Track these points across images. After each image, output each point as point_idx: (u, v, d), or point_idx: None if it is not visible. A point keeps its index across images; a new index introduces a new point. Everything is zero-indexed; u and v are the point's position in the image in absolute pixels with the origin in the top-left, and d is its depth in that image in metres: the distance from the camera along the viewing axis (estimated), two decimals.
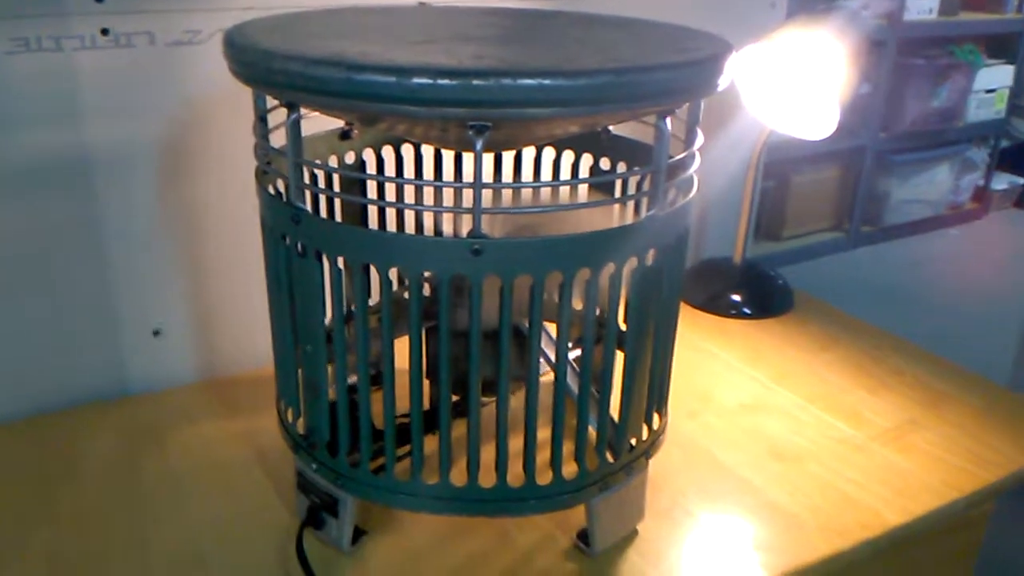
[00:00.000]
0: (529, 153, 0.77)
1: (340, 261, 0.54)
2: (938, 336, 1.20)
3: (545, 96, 0.45)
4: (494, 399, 0.56)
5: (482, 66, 0.47)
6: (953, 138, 2.95)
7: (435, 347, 0.63)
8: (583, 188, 0.77)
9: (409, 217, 0.79)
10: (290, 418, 0.64)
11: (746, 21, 1.08)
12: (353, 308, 0.57)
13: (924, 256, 2.92)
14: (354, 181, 0.74)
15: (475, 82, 0.45)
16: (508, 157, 0.78)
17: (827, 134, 0.82)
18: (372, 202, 0.62)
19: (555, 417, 0.57)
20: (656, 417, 0.64)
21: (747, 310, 1.05)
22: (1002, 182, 3.55)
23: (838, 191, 2.55)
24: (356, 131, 0.73)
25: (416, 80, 0.45)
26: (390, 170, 0.77)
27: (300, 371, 0.61)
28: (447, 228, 0.70)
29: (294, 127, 0.52)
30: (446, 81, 0.45)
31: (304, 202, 0.54)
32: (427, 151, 0.77)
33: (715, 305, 1.06)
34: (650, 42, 0.56)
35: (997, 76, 2.87)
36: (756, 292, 1.07)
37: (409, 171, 0.77)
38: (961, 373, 0.92)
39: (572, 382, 0.60)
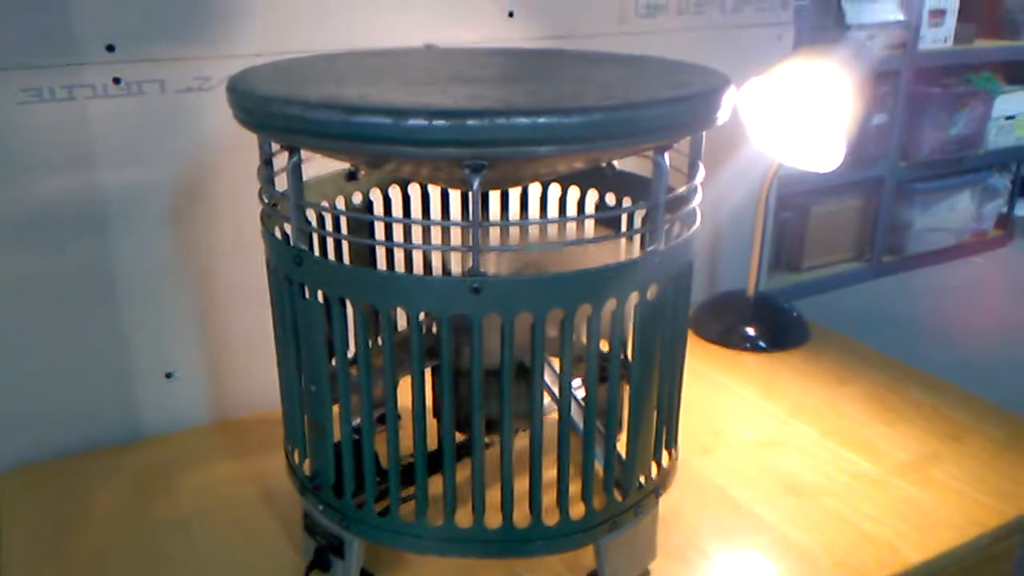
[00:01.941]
0: (535, 189, 0.77)
1: (344, 301, 0.54)
2: (962, 366, 1.18)
3: (540, 135, 0.46)
4: (499, 438, 0.55)
5: (476, 106, 0.47)
6: (974, 165, 2.92)
7: (440, 386, 0.62)
8: (590, 223, 0.77)
9: (418, 257, 0.79)
10: (296, 459, 0.63)
11: (753, 53, 1.08)
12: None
13: (948, 285, 2.89)
14: (361, 222, 0.75)
15: (469, 122, 0.45)
16: (514, 194, 0.78)
17: (834, 167, 0.81)
18: (374, 242, 0.62)
19: (560, 455, 0.56)
20: (666, 454, 0.63)
21: (762, 343, 1.04)
22: None
23: (859, 221, 2.53)
24: (362, 172, 0.73)
25: (412, 121, 0.45)
26: (397, 210, 0.78)
27: (305, 412, 0.61)
28: (455, 267, 0.70)
29: (295, 170, 0.53)
30: (441, 122, 0.45)
31: (307, 244, 0.54)
32: (433, 190, 0.78)
33: (729, 339, 1.05)
34: (648, 78, 0.57)
35: (1017, 102, 2.85)
36: (770, 325, 1.06)
37: (416, 211, 0.78)
38: (982, 405, 0.90)
39: (577, 419, 0.59)
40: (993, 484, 0.77)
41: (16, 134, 0.73)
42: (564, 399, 0.55)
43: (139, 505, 0.75)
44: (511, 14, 0.91)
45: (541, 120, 0.45)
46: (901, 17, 2.76)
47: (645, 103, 0.48)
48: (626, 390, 0.58)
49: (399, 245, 0.53)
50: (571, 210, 0.76)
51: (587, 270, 0.52)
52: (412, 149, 0.46)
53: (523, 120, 0.45)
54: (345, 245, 0.72)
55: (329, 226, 0.72)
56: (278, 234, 0.60)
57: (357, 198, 0.74)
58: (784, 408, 0.90)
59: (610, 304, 0.53)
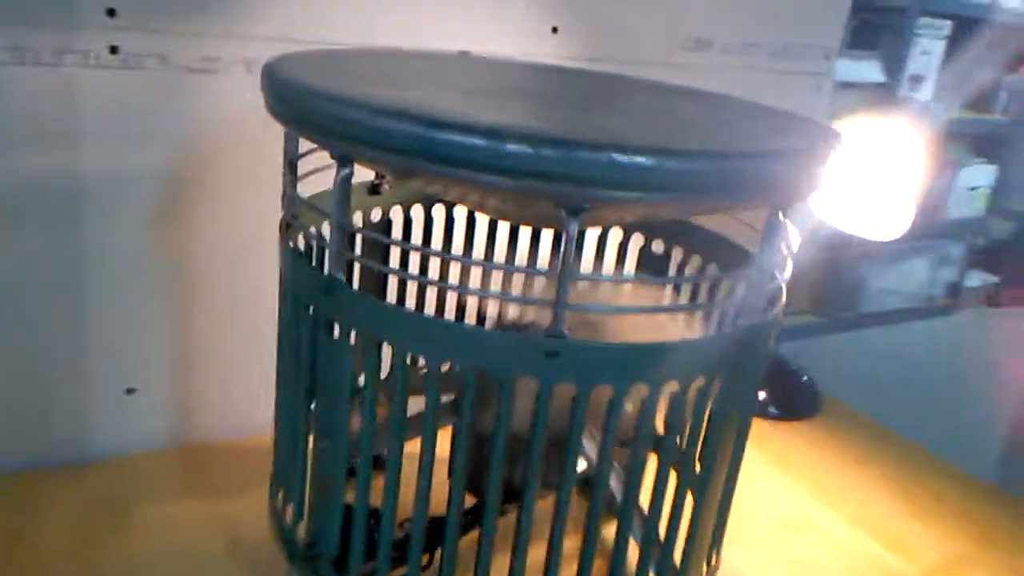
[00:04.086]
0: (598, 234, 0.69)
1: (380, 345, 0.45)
2: (919, 428, 1.16)
3: (663, 179, 0.38)
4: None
5: (589, 137, 0.39)
6: (932, 232, 2.95)
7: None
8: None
9: (432, 294, 0.70)
10: (288, 518, 0.54)
11: (791, 100, 1.00)
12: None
13: (900, 346, 2.92)
14: (378, 245, 0.66)
15: (583, 155, 0.37)
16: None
17: (899, 234, 0.75)
18: (432, 282, 0.51)
19: (616, 542, 0.48)
20: (715, 555, 0.55)
21: (773, 410, 0.97)
22: (975, 280, 3.57)
23: (816, 275, 2.52)
24: (388, 185, 0.65)
25: (511, 146, 0.37)
26: (416, 232, 0.69)
27: (305, 464, 0.52)
28: (490, 310, 0.62)
29: (344, 184, 0.44)
30: (549, 151, 0.37)
31: (344, 272, 0.45)
32: (459, 212, 0.69)
33: None
34: (748, 121, 0.49)
35: (982, 175, 2.89)
36: (781, 390, 1.00)
37: (437, 234, 0.69)
38: (1003, 501, 0.84)
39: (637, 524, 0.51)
40: None
41: None
42: (629, 508, 0.47)
43: (85, 541, 0.64)
44: (555, 30, 0.83)
45: (670, 164, 0.37)
46: (883, 79, 2.78)
47: (787, 152, 0.40)
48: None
49: (472, 292, 0.44)
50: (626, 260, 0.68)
51: (685, 342, 0.44)
52: (503, 179, 0.38)
53: (644, 161, 0.37)
54: (392, 280, 0.62)
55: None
56: (302, 250, 0.51)
57: (376, 214, 0.65)
58: (807, 487, 0.83)
59: (698, 383, 0.45)
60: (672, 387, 0.45)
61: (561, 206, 0.39)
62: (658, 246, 0.67)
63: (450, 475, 0.47)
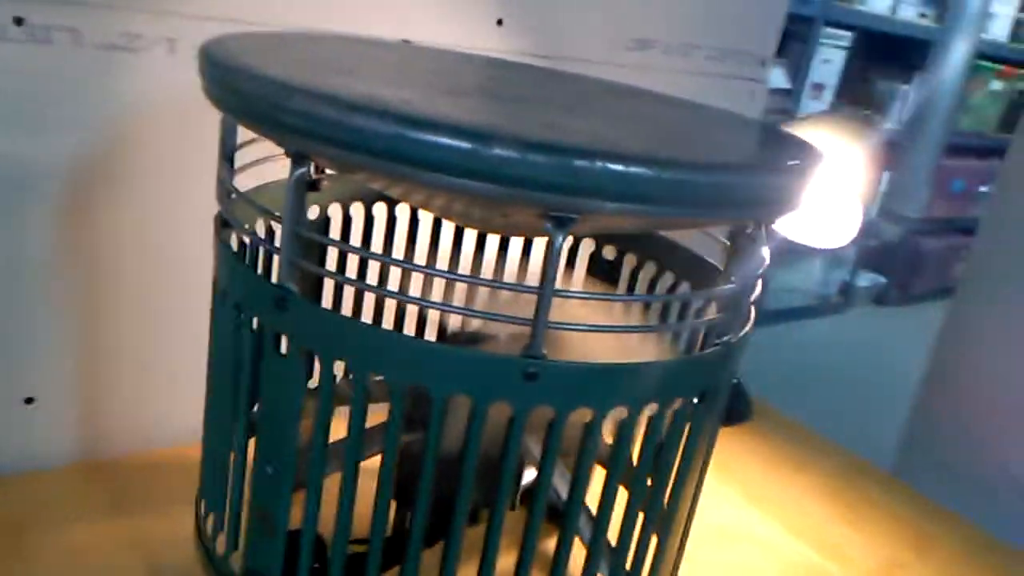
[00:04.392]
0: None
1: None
2: (822, 418, 1.19)
3: (664, 192, 0.35)
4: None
5: (581, 143, 0.36)
6: None
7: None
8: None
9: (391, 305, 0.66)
10: (221, 548, 0.49)
11: (726, 105, 1.02)
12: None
13: (798, 342, 3.03)
14: (314, 245, 0.61)
15: (579, 163, 0.34)
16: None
17: (847, 241, 0.75)
18: (419, 302, 0.46)
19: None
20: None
21: None
22: (865, 280, 3.74)
23: None
24: (326, 181, 0.60)
25: (499, 151, 0.33)
26: (355, 232, 0.64)
27: (242, 489, 0.47)
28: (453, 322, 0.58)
29: (299, 185, 0.39)
30: (538, 157, 0.34)
31: (296, 283, 0.41)
32: (401, 212, 0.65)
33: None
34: (735, 133, 0.47)
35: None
36: None
37: (378, 234, 0.65)
38: (933, 508, 0.86)
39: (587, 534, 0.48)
40: None
41: None
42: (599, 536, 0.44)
43: None
44: (500, 22, 0.79)
45: (672, 176, 0.34)
46: (788, 86, 2.86)
47: (787, 167, 0.38)
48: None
49: (458, 311, 0.40)
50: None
51: (667, 363, 0.41)
52: (487, 186, 0.34)
53: (645, 171, 0.34)
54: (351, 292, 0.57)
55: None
56: (238, 250, 0.46)
57: (312, 213, 0.61)
58: (743, 493, 0.83)
59: (674, 405, 0.43)
60: (652, 409, 0.42)
61: (548, 216, 0.36)
62: (610, 252, 0.65)
63: (404, 503, 0.43)
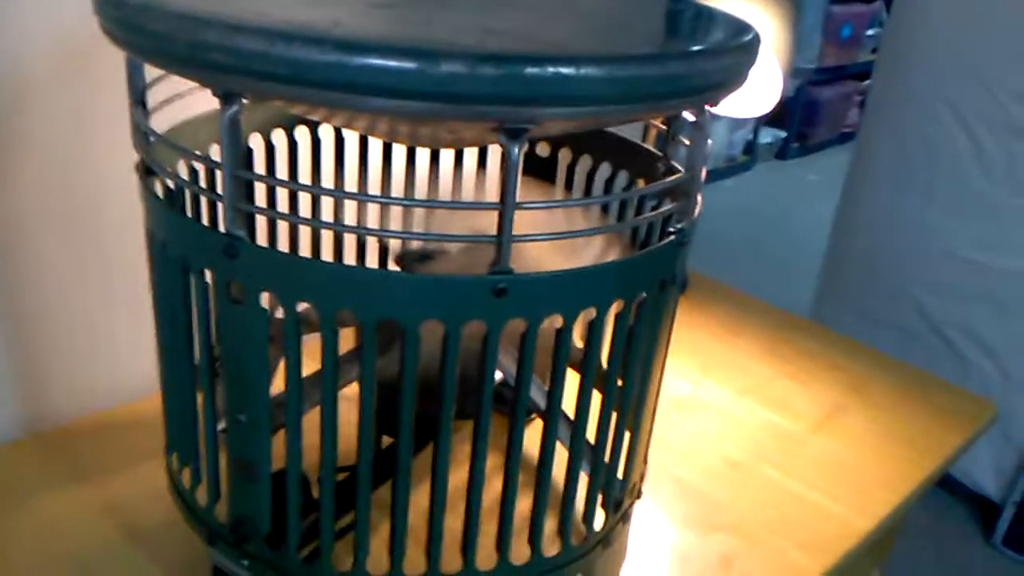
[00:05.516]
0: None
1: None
2: (742, 276, 1.25)
3: (618, 90, 0.34)
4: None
5: (530, 50, 0.34)
6: None
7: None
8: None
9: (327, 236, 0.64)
10: (202, 501, 0.49)
11: None
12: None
13: (711, 205, 3.11)
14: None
15: (527, 71, 0.33)
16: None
17: (767, 110, 0.76)
18: (379, 233, 0.43)
19: (570, 470, 0.46)
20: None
21: None
22: (767, 136, 3.82)
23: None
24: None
25: (445, 68, 0.32)
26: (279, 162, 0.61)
27: (215, 441, 0.46)
28: (392, 244, 0.56)
29: (232, 126, 0.37)
30: (488, 70, 0.32)
31: (246, 229, 0.39)
32: (326, 134, 0.62)
33: None
34: (664, 16, 0.46)
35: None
36: None
37: (305, 160, 0.62)
38: (875, 356, 0.90)
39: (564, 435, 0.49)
40: (904, 436, 0.78)
41: None
42: (555, 412, 0.45)
43: None
44: None
45: (625, 72, 0.34)
46: None
47: (733, 48, 0.38)
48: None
49: (421, 237, 0.39)
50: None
51: (630, 260, 0.41)
52: (439, 105, 0.33)
53: (597, 72, 0.34)
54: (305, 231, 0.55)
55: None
56: (166, 200, 0.43)
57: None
58: (692, 365, 0.86)
59: (639, 298, 0.44)
60: (618, 306, 0.43)
61: (501, 129, 0.35)
62: (543, 149, 0.64)
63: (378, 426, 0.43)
